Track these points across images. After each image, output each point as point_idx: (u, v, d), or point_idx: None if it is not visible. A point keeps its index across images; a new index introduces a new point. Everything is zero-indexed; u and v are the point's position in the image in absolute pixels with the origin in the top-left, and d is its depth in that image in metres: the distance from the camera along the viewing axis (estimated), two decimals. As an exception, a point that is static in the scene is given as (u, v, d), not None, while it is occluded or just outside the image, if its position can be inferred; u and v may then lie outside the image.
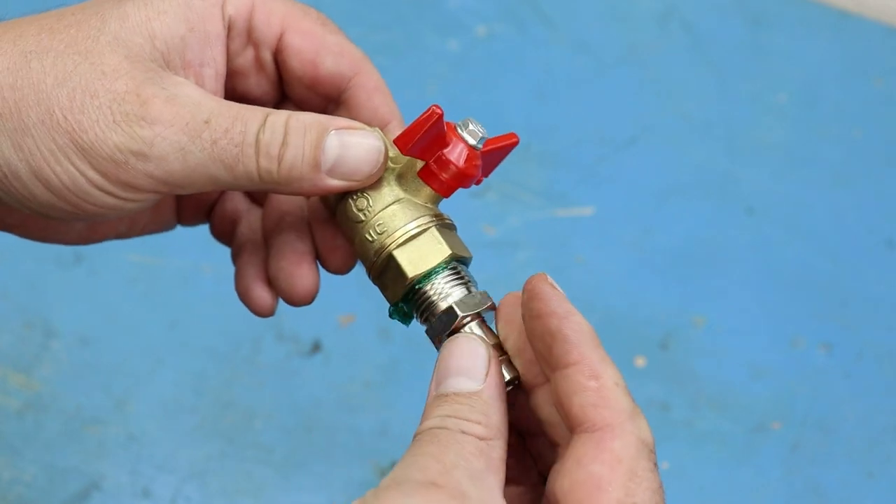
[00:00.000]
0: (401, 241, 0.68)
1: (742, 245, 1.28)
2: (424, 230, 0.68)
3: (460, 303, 0.67)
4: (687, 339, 1.21)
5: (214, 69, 0.71)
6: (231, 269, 1.21)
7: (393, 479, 0.57)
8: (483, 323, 0.67)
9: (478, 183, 0.70)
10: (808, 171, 1.34)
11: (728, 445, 1.15)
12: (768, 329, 1.22)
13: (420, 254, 0.67)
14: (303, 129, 0.66)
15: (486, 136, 0.69)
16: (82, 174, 0.64)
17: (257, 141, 0.65)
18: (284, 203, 0.76)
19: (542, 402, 0.65)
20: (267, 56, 0.73)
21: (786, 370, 1.20)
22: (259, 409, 1.15)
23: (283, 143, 0.65)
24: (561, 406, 0.61)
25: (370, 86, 0.74)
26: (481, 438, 0.60)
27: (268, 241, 0.77)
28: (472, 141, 0.68)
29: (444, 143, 0.67)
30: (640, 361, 1.20)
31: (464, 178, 0.68)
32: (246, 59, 0.73)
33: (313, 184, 0.66)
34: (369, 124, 0.71)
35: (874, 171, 1.34)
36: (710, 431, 1.16)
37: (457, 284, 0.68)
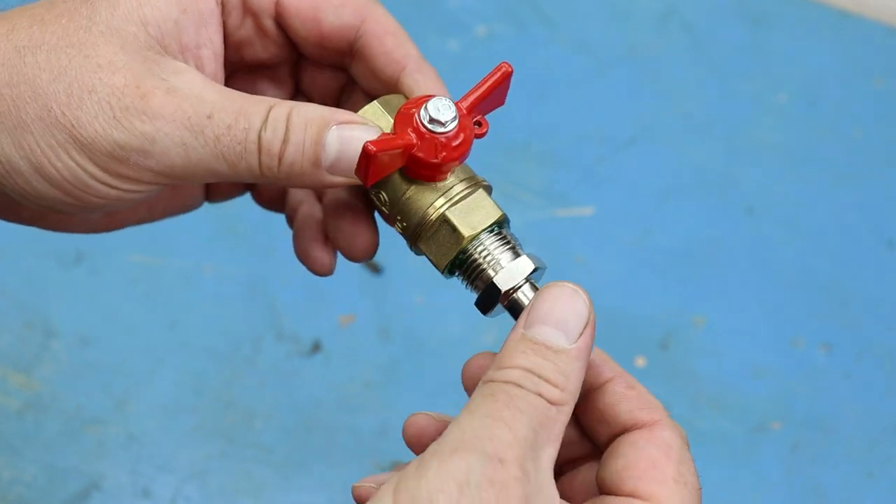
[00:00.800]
0: (425, 234, 0.67)
1: (742, 245, 1.28)
2: (439, 216, 0.67)
3: (530, 256, 0.67)
4: (687, 339, 1.21)
5: (212, 49, 0.70)
6: (232, 269, 1.22)
7: (459, 443, 0.56)
8: (534, 286, 0.67)
9: (481, 134, 0.68)
10: (808, 171, 1.34)
11: (728, 445, 1.15)
12: (768, 329, 1.22)
13: (439, 244, 0.67)
14: (304, 125, 0.65)
15: (454, 113, 0.66)
16: (83, 169, 0.64)
17: (259, 138, 0.64)
18: None
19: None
20: (268, 23, 0.72)
21: (786, 370, 1.20)
22: (259, 409, 1.15)
23: (284, 140, 0.64)
24: (606, 416, 0.65)
25: (379, 31, 0.72)
26: (554, 404, 0.59)
27: (322, 200, 0.77)
28: (439, 129, 0.65)
29: (410, 146, 0.65)
30: (640, 361, 1.20)
31: (442, 167, 0.66)
32: (247, 29, 0.72)
33: (315, 180, 0.66)
34: (385, 73, 0.70)
35: (874, 170, 1.34)
36: (710, 431, 1.16)
37: (508, 254, 0.67)
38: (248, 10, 0.71)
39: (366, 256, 0.75)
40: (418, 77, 0.72)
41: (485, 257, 0.67)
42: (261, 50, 0.73)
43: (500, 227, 0.69)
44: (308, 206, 0.77)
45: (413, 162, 0.66)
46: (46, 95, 0.63)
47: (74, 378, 1.15)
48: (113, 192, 0.65)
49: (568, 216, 1.30)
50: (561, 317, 0.62)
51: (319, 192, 0.77)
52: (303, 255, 0.78)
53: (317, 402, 1.16)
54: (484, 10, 1.45)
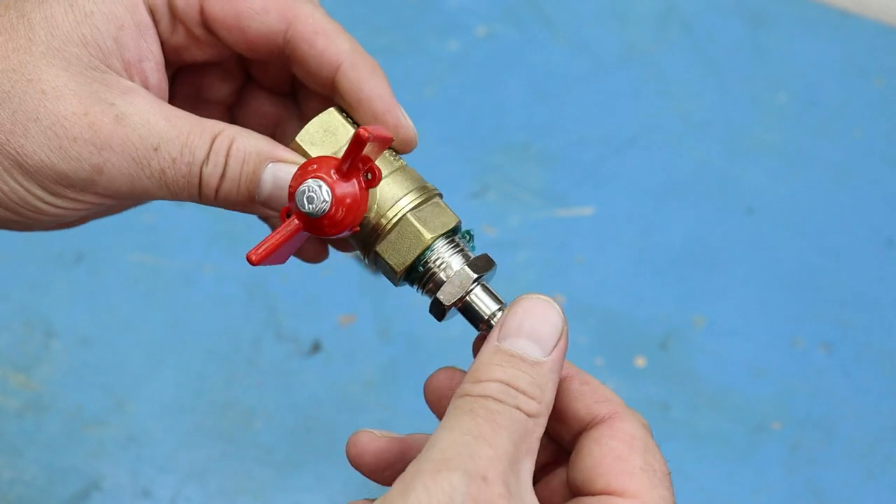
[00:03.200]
0: (382, 236, 0.68)
1: (742, 245, 1.28)
2: (400, 219, 0.67)
3: (463, 269, 0.67)
4: (687, 339, 1.21)
5: (154, 61, 0.69)
6: (232, 269, 1.22)
7: (441, 463, 0.57)
8: (486, 287, 0.68)
9: (373, 185, 0.67)
10: (807, 171, 1.34)
11: (728, 445, 1.15)
12: (768, 329, 1.22)
13: (398, 246, 0.68)
14: (241, 160, 0.65)
15: (322, 193, 0.64)
16: (29, 192, 0.64)
17: (201, 173, 0.65)
18: None
19: None
20: (198, 31, 0.71)
21: (786, 370, 1.20)
22: (259, 409, 1.15)
23: (221, 176, 0.65)
24: (566, 415, 0.65)
25: (308, 32, 0.69)
26: (531, 416, 0.60)
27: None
28: (317, 211, 0.65)
29: (293, 233, 0.65)
30: (640, 361, 1.20)
31: (345, 230, 0.66)
32: (179, 37, 0.71)
33: (249, 210, 0.67)
34: (320, 74, 0.69)
35: (874, 170, 1.34)
36: (710, 431, 1.16)
37: (455, 254, 0.68)
38: (177, 19, 0.70)
39: (316, 260, 0.76)
40: (352, 75, 0.70)
41: (436, 262, 0.67)
42: (199, 53, 0.72)
43: (454, 233, 0.69)
44: None
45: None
46: None
47: (74, 378, 1.15)
48: (59, 212, 0.66)
49: (568, 216, 1.30)
50: (535, 328, 0.62)
51: None
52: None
53: (317, 402, 1.15)
54: (484, 10, 1.45)
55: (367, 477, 0.71)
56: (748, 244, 1.28)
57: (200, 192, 0.65)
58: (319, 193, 0.64)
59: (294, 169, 0.65)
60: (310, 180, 0.64)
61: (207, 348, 1.18)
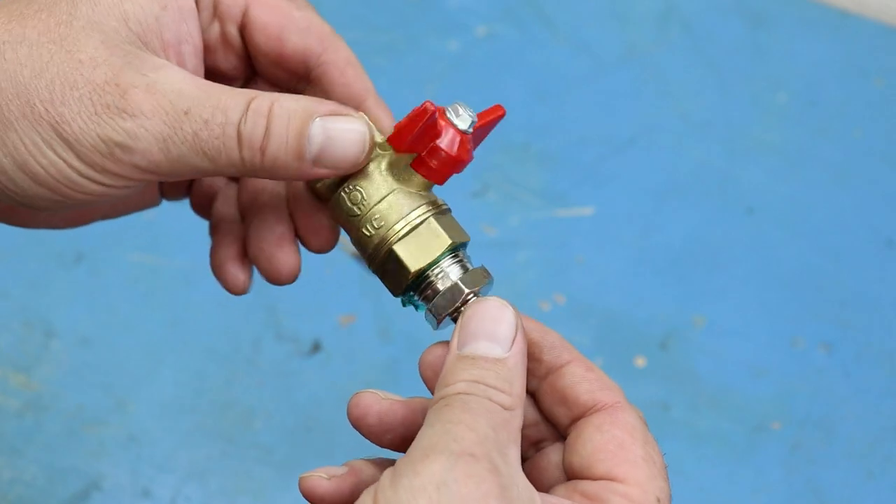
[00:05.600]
0: (401, 234, 0.67)
1: (742, 245, 1.28)
2: (423, 221, 0.67)
3: (463, 279, 0.67)
4: (687, 339, 1.21)
5: (192, 45, 0.69)
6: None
7: (427, 449, 0.57)
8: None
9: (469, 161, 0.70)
10: (807, 171, 1.34)
11: (728, 445, 1.15)
12: (768, 329, 1.22)
13: (420, 246, 0.67)
14: (286, 118, 0.64)
15: (475, 119, 0.68)
16: (69, 165, 0.64)
17: (239, 133, 0.64)
18: (260, 180, 0.75)
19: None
20: (233, 31, 0.72)
21: (786, 370, 1.20)
22: (259, 409, 1.15)
23: (266, 134, 0.64)
24: (567, 398, 0.65)
25: (341, 62, 0.72)
26: (505, 408, 0.60)
27: (245, 218, 0.76)
28: (462, 126, 0.67)
29: (437, 134, 0.67)
30: (640, 361, 1.20)
31: (458, 165, 0.68)
32: (212, 34, 0.72)
33: (299, 172, 0.66)
34: (344, 104, 0.69)
35: (874, 170, 1.34)
36: (710, 431, 1.16)
37: (455, 265, 0.68)
38: (217, 14, 0.71)
39: (288, 280, 0.75)
40: (378, 112, 0.73)
41: (437, 274, 0.68)
42: (221, 59, 0.73)
43: (463, 247, 0.70)
44: (228, 222, 0.77)
45: (439, 156, 0.67)
46: (29, 91, 0.63)
47: (74, 378, 1.15)
48: (98, 188, 0.65)
49: (568, 216, 1.30)
50: (490, 329, 0.63)
51: (240, 206, 0.77)
52: (217, 271, 0.78)
53: (317, 402, 1.16)
54: (484, 10, 1.45)
55: (369, 439, 0.71)
56: (748, 244, 1.28)
57: (242, 155, 0.64)
58: (469, 112, 0.68)
59: (345, 120, 0.66)
60: (455, 103, 0.68)
61: (207, 348, 1.18)
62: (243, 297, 1.21)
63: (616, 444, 0.63)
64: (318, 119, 0.65)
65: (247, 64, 0.74)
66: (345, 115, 0.66)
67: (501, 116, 0.71)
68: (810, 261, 1.27)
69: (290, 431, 1.14)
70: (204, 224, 1.27)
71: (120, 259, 1.23)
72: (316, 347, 1.19)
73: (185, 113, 0.63)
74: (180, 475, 1.11)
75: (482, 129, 0.70)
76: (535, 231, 1.28)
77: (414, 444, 0.59)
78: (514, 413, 0.61)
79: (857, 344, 1.22)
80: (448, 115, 0.67)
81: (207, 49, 0.72)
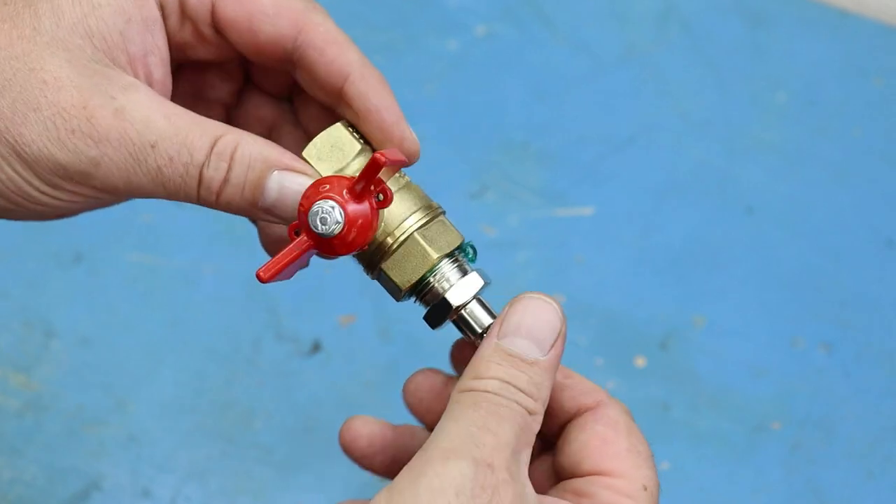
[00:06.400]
0: (391, 250, 0.68)
1: (742, 245, 1.28)
2: (409, 236, 0.68)
3: (460, 284, 0.68)
4: (687, 339, 1.21)
5: (159, 56, 0.69)
6: (232, 268, 1.21)
7: (448, 452, 0.59)
8: (481, 301, 0.69)
9: (384, 206, 0.67)
10: (807, 171, 1.34)
11: (728, 445, 1.15)
12: (768, 329, 1.22)
13: (409, 262, 0.68)
14: (246, 165, 0.65)
15: (335, 214, 0.65)
16: (27, 182, 0.64)
17: (200, 175, 0.64)
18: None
19: None
20: (206, 30, 0.71)
21: (786, 370, 1.20)
22: (259, 409, 1.15)
23: (224, 180, 0.64)
24: (551, 408, 0.68)
25: (319, 41, 0.70)
26: (529, 413, 0.62)
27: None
28: (329, 232, 0.65)
29: (305, 251, 0.66)
30: (640, 361, 1.20)
31: (356, 248, 0.66)
32: (186, 34, 0.71)
33: (251, 216, 0.67)
34: (328, 83, 0.69)
35: (874, 170, 1.34)
36: (710, 431, 1.16)
37: (454, 269, 0.69)
38: (186, 16, 0.70)
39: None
40: (361, 86, 0.71)
41: (436, 277, 0.68)
42: (203, 52, 0.73)
43: (459, 250, 0.70)
44: None
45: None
46: None
47: (74, 378, 1.15)
48: (56, 203, 0.65)
49: (567, 216, 1.30)
50: (533, 328, 0.64)
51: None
52: (269, 249, 0.79)
53: (317, 402, 1.16)
54: (484, 10, 1.45)
55: (358, 463, 0.72)
56: (748, 244, 1.28)
57: (199, 194, 0.65)
58: (332, 215, 0.64)
59: (300, 178, 0.66)
60: (322, 201, 0.64)
61: (207, 348, 1.18)
62: (243, 297, 1.21)
63: (600, 439, 0.66)
64: (276, 173, 0.65)
65: (233, 51, 0.73)
66: (301, 172, 0.66)
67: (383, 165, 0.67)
68: (810, 261, 1.27)
69: (290, 431, 1.14)
70: (204, 224, 1.27)
71: (119, 259, 1.23)
72: (316, 347, 1.19)
73: (152, 146, 0.63)
74: (180, 475, 1.11)
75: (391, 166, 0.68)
76: (534, 231, 1.28)
77: (434, 436, 0.60)
78: (535, 418, 0.63)
79: (857, 344, 1.22)
80: (310, 224, 0.65)
81: (187, 46, 0.71)
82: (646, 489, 0.65)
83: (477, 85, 1.40)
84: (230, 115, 0.77)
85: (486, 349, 0.64)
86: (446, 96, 1.37)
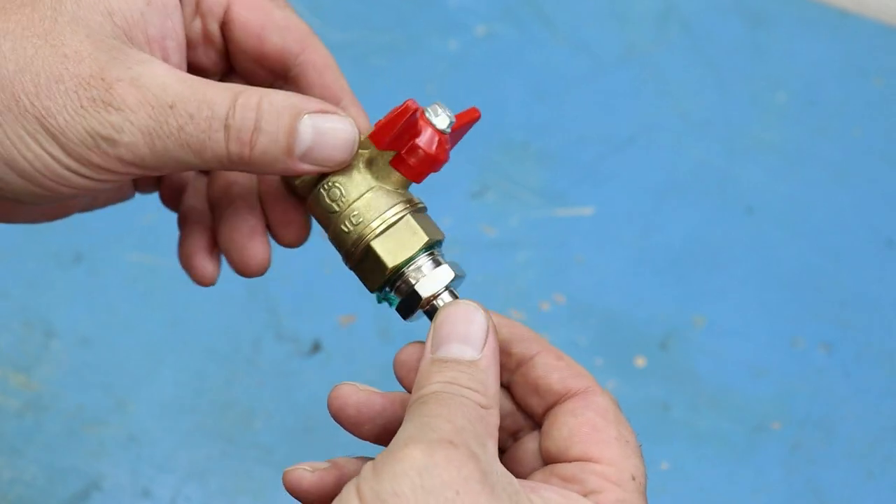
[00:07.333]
0: (378, 231, 0.68)
1: (742, 245, 1.28)
2: (400, 218, 0.68)
3: (435, 274, 0.69)
4: (687, 339, 1.21)
5: (176, 41, 0.70)
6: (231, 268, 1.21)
7: (407, 440, 0.58)
8: (453, 293, 0.69)
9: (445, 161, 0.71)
10: (807, 171, 1.34)
11: (728, 445, 1.15)
12: (768, 329, 1.22)
13: (397, 243, 0.68)
14: (276, 114, 0.65)
15: (453, 119, 0.69)
16: (55, 158, 0.64)
17: (226, 126, 0.64)
18: (232, 173, 0.75)
19: None
20: (214, 28, 0.72)
21: (786, 370, 1.20)
22: (259, 409, 1.15)
23: (256, 129, 0.65)
24: (539, 387, 0.67)
25: (319, 63, 0.73)
26: (481, 406, 0.62)
27: (214, 210, 0.77)
28: (441, 126, 0.68)
29: (417, 132, 0.68)
30: (640, 361, 1.20)
31: (436, 164, 0.69)
32: (194, 30, 0.72)
33: (285, 168, 0.67)
34: None
35: (874, 170, 1.35)
36: (710, 431, 1.16)
37: (429, 261, 0.69)
38: (200, 11, 0.72)
39: (258, 272, 0.76)
40: (353, 112, 0.73)
41: (410, 269, 0.69)
42: (201, 55, 0.74)
43: (438, 244, 0.71)
44: (198, 214, 0.78)
45: (417, 155, 0.68)
46: (14, 85, 0.63)
47: (74, 378, 1.15)
48: (82, 182, 0.65)
49: (567, 216, 1.30)
50: (462, 332, 0.64)
51: (211, 199, 0.77)
52: (185, 263, 0.78)
53: (317, 402, 1.15)
54: (484, 10, 1.45)
55: (348, 430, 0.72)
56: (748, 244, 1.28)
57: (229, 149, 0.65)
58: (448, 113, 0.68)
59: (333, 118, 0.66)
60: (434, 103, 0.68)
61: (207, 348, 1.18)
62: (243, 297, 1.21)
63: (590, 426, 0.65)
64: (307, 116, 0.66)
65: (225, 60, 0.75)
66: (333, 113, 0.67)
67: (477, 119, 0.72)
68: (810, 261, 1.27)
69: (290, 431, 1.14)
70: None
71: (119, 259, 1.23)
72: (316, 347, 1.19)
73: (170, 107, 0.64)
74: (180, 475, 1.11)
75: (459, 130, 0.71)
76: (534, 231, 1.28)
77: (394, 439, 0.60)
78: (489, 411, 0.62)
79: (857, 344, 1.22)
80: (427, 114, 0.68)
81: (189, 44, 0.72)
82: (634, 479, 0.64)
83: (477, 85, 1.40)
84: None
85: (423, 366, 0.64)
86: (447, 96, 1.36)
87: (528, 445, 0.69)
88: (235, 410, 1.15)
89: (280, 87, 0.74)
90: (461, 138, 0.73)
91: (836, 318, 1.23)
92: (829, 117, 1.39)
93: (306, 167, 0.67)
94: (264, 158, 0.66)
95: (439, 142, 0.68)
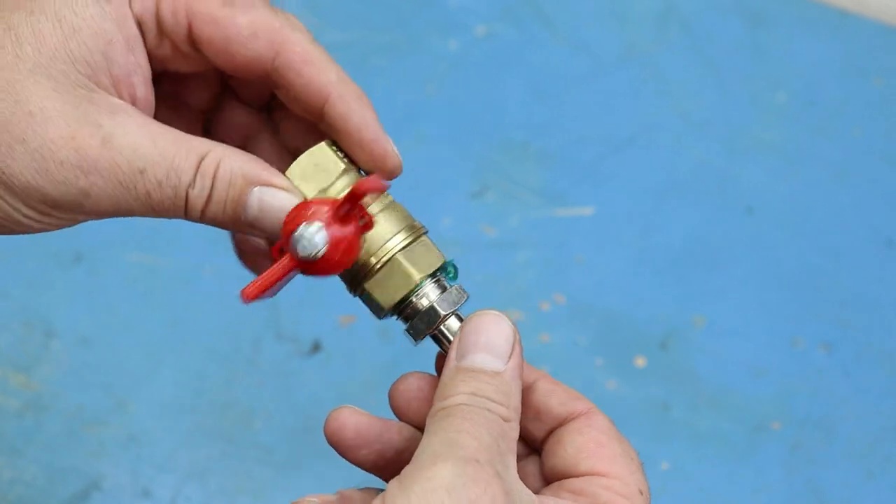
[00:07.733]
0: (374, 270, 0.69)
1: (742, 245, 1.28)
2: (392, 257, 0.68)
3: (440, 301, 0.69)
4: (687, 339, 1.21)
5: (141, 75, 0.68)
6: (232, 268, 1.21)
7: (434, 456, 0.59)
8: (459, 317, 0.69)
9: (366, 230, 0.68)
10: (807, 171, 1.34)
11: (728, 445, 1.15)
12: (768, 329, 1.22)
13: (392, 282, 0.69)
14: (227, 182, 0.65)
15: (320, 237, 0.66)
16: (16, 210, 0.64)
17: (186, 196, 0.65)
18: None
19: None
20: (185, 48, 0.69)
21: (786, 370, 1.20)
22: (259, 409, 1.15)
23: (208, 198, 0.65)
24: (541, 412, 0.68)
25: (296, 61, 0.68)
26: (504, 420, 0.63)
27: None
28: (311, 256, 0.66)
29: (287, 271, 0.66)
30: (640, 361, 1.20)
31: (339, 269, 0.68)
32: (165, 50, 0.69)
33: (236, 230, 0.68)
34: (308, 103, 0.69)
35: (874, 170, 1.35)
36: (710, 431, 1.16)
37: (434, 287, 0.69)
38: (164, 34, 0.69)
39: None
40: (340, 107, 0.69)
41: (416, 295, 0.69)
42: (183, 65, 0.71)
43: (440, 270, 0.71)
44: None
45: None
46: None
47: (74, 378, 1.15)
48: (44, 227, 0.66)
49: (567, 216, 1.30)
50: (489, 342, 0.65)
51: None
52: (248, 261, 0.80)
53: (317, 402, 1.16)
54: (484, 10, 1.45)
55: (344, 456, 0.72)
56: (748, 244, 1.28)
57: (186, 213, 0.66)
58: (315, 239, 0.65)
59: (280, 194, 0.66)
60: (306, 224, 0.65)
61: (207, 348, 1.18)
62: (243, 297, 1.21)
63: (596, 443, 0.66)
64: (255, 189, 0.66)
65: (212, 63, 0.72)
66: (281, 188, 0.66)
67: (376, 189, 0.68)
68: (810, 261, 1.27)
69: (290, 431, 1.14)
70: (204, 225, 1.27)
71: (119, 259, 1.23)
72: (316, 347, 1.19)
73: (141, 172, 0.64)
74: (180, 475, 1.11)
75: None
76: (534, 231, 1.28)
77: (418, 452, 0.61)
78: (511, 425, 0.63)
79: (857, 344, 1.22)
80: (291, 249, 0.66)
81: (166, 60, 0.70)
82: (641, 493, 0.66)
83: (477, 85, 1.40)
84: (210, 121, 0.77)
85: (448, 373, 0.65)
86: (447, 96, 1.37)
87: (528, 469, 0.70)
88: (235, 410, 1.15)
89: (275, 90, 0.72)
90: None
91: (836, 318, 1.23)
92: (829, 117, 1.39)
93: (256, 233, 0.67)
94: (215, 223, 0.67)
95: (323, 265, 0.66)
